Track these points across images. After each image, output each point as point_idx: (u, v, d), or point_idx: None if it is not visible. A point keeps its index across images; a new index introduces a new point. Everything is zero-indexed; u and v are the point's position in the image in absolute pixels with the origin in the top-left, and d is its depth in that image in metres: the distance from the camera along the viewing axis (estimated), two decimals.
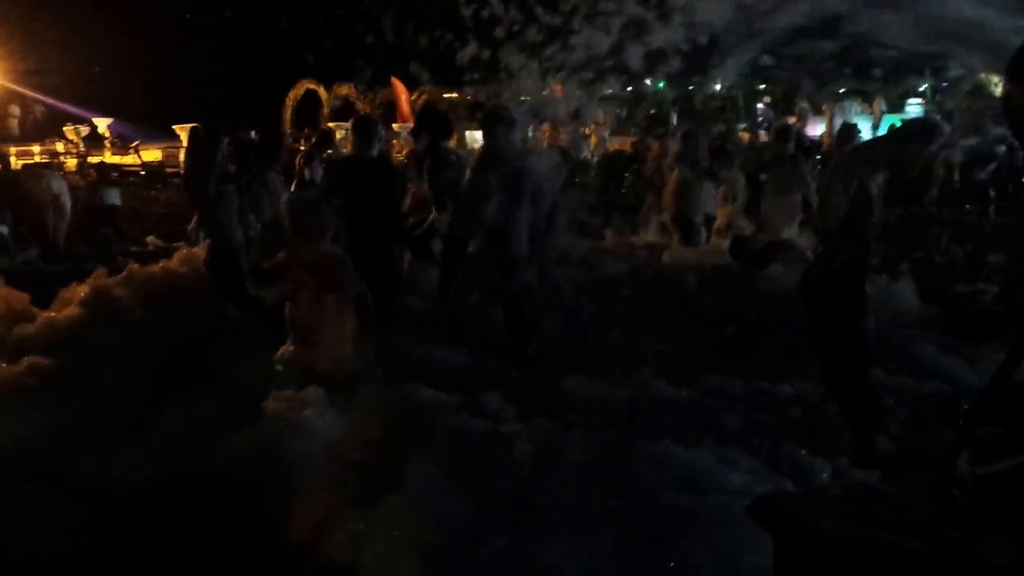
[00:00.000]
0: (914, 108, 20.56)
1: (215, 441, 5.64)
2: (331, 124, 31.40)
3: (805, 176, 10.95)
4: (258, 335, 7.25)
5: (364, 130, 8.53)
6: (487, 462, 5.31)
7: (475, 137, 25.57)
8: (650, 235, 12.01)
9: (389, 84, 32.13)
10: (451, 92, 32.39)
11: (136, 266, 9.48)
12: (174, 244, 14.80)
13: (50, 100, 32.45)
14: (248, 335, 7.39)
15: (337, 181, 8.17)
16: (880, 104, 24.75)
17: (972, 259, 11.40)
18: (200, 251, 9.88)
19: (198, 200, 9.16)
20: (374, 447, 5.61)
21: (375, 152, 8.55)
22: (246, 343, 7.21)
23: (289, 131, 29.04)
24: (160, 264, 9.91)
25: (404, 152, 27.43)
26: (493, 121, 7.72)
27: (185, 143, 28.10)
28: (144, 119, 31.21)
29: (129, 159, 27.80)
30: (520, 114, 7.83)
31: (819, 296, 6.00)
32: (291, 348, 6.29)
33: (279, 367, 6.29)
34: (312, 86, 32.60)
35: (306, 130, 28.00)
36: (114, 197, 16.40)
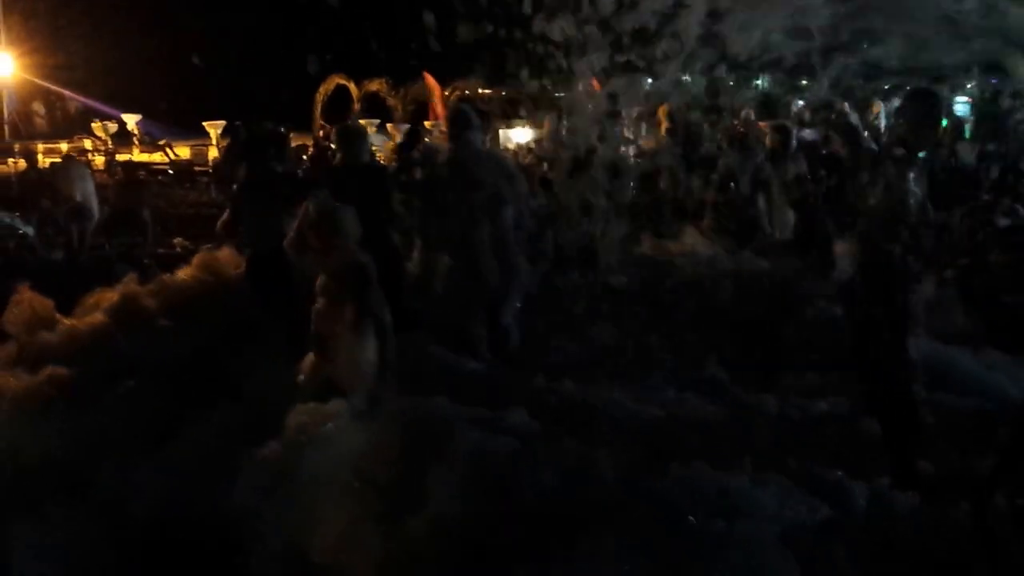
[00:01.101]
0: (961, 106, 19.98)
1: (236, 455, 5.55)
2: (362, 121, 31.36)
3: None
4: (280, 344, 7.19)
5: (349, 138, 8.42)
6: (512, 482, 5.18)
7: (508, 136, 25.42)
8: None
9: (421, 79, 31.97)
10: (486, 89, 32.26)
11: (166, 275, 9.40)
12: (203, 245, 14.72)
13: (78, 96, 32.57)
14: (270, 344, 7.30)
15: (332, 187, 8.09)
16: None
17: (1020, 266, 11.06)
18: (226, 254, 9.79)
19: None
20: (396, 463, 5.49)
21: (365, 159, 8.45)
22: (268, 352, 7.14)
23: (320, 127, 29.08)
24: (187, 270, 9.80)
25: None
26: (454, 124, 7.60)
27: (215, 140, 28.28)
28: (173, 116, 31.29)
29: (157, 157, 27.79)
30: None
31: (862, 307, 5.80)
32: (311, 359, 6.17)
33: (300, 378, 6.18)
34: (343, 81, 32.48)
35: (336, 126, 28.01)
36: (141, 199, 16.35)
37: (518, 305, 7.69)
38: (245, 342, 7.71)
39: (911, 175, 5.68)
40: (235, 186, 8.59)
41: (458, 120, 7.69)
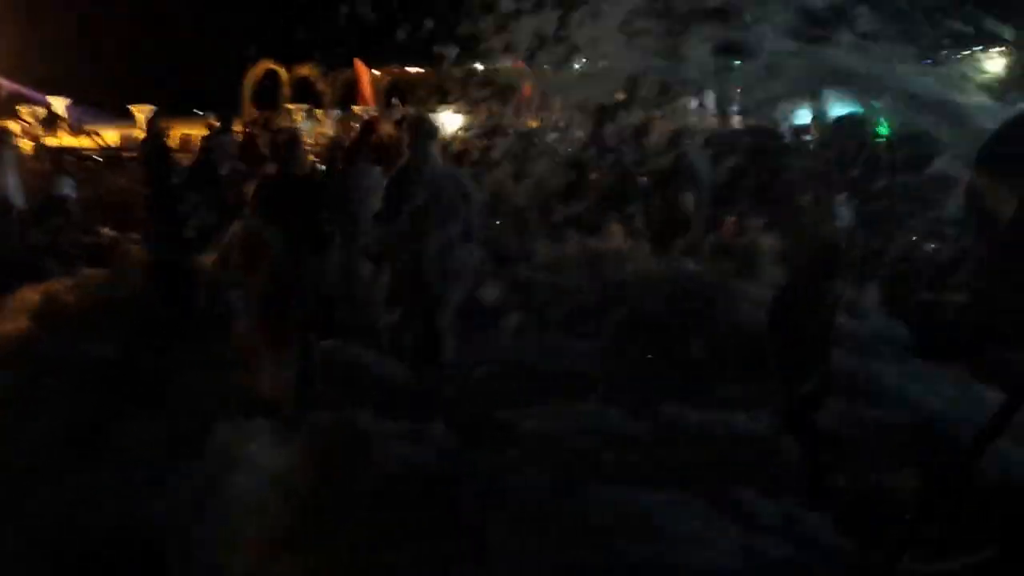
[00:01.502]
0: None
1: (161, 470, 5.52)
2: (290, 106, 31.03)
3: None
4: (207, 350, 7.12)
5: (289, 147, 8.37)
6: (432, 501, 5.20)
7: (440, 121, 25.30)
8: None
9: (351, 65, 31.71)
10: (418, 69, 32.00)
11: (90, 271, 9.24)
12: (129, 234, 14.47)
13: (4, 81, 31.74)
14: (197, 349, 7.22)
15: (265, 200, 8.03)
16: None
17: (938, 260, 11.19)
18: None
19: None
20: (318, 482, 5.49)
21: (300, 168, 8.36)
22: (195, 359, 7.06)
23: (249, 112, 28.73)
24: (113, 266, 9.65)
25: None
26: (415, 134, 7.59)
27: (141, 125, 27.76)
28: (102, 100, 30.63)
29: (88, 142, 27.24)
30: None
31: (785, 324, 5.86)
32: (237, 372, 6.14)
33: (226, 391, 6.14)
34: (272, 66, 32.08)
35: (266, 112, 27.66)
36: (68, 187, 15.98)
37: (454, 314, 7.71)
38: (172, 344, 7.62)
39: (839, 199, 5.76)
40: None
41: (418, 130, 7.67)
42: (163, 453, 5.71)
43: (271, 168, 8.41)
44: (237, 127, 27.07)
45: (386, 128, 13.92)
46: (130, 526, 5.17)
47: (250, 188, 8.56)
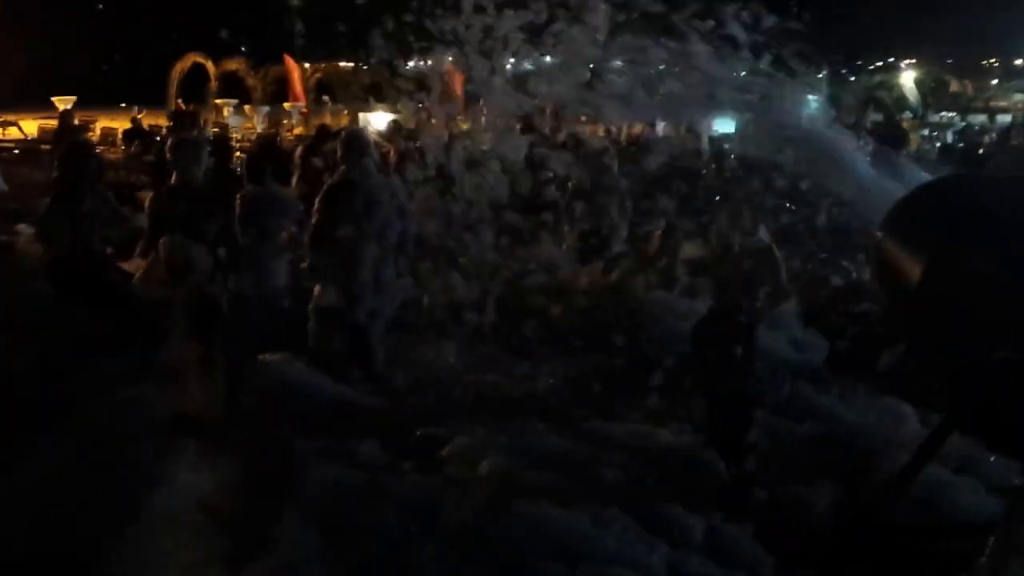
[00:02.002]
0: None
1: (80, 490, 5.35)
2: (218, 101, 30.71)
3: None
4: (122, 364, 7.02)
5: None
6: (360, 521, 5.23)
7: (368, 120, 25.16)
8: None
9: (280, 60, 31.47)
10: (347, 63, 31.91)
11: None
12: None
13: None
14: (112, 364, 7.08)
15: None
16: None
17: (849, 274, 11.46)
18: None
19: None
20: (246, 501, 5.47)
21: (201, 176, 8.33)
22: (109, 374, 6.87)
23: (175, 106, 28.32)
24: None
25: (294, 133, 27.11)
26: (352, 149, 7.68)
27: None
28: (21, 90, 30.02)
29: (13, 132, 26.70)
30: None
31: (712, 347, 5.98)
32: (159, 388, 6.08)
33: (145, 409, 6.07)
34: (199, 59, 31.70)
35: (192, 106, 27.34)
36: None
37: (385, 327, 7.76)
38: (83, 355, 7.47)
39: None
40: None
41: (354, 144, 7.75)
42: (83, 471, 5.53)
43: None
44: (161, 121, 26.85)
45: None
46: (46, 548, 5.01)
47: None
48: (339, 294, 7.55)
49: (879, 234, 2.66)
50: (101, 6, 34.35)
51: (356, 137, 8.04)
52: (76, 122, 24.77)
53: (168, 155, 8.38)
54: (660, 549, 5.06)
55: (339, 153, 7.90)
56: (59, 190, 8.15)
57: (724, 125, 15.54)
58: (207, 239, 6.89)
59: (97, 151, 11.74)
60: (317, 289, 7.74)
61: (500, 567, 4.80)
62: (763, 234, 8.35)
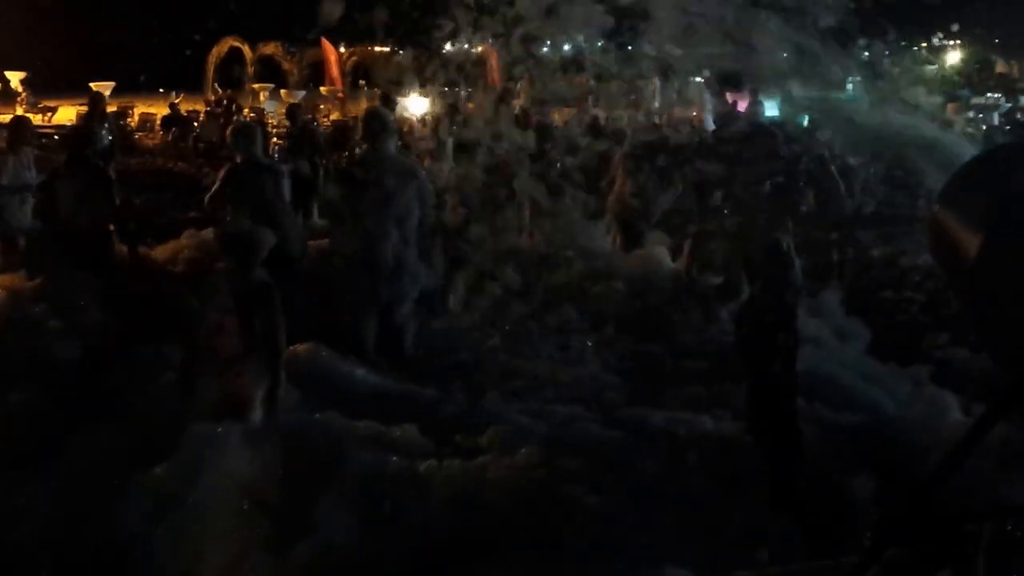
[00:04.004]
0: None
1: (125, 477, 5.43)
2: (255, 86, 30.76)
3: None
4: (168, 351, 7.09)
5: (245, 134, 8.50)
6: (401, 506, 5.24)
7: (405, 105, 25.07)
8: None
9: (318, 44, 31.47)
10: (383, 47, 31.81)
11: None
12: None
13: None
14: (157, 352, 7.15)
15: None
16: None
17: (898, 262, 11.35)
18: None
19: None
20: (289, 485, 5.49)
21: (259, 153, 8.59)
22: (161, 361, 6.95)
23: (212, 91, 28.45)
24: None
25: (331, 118, 27.10)
26: (377, 130, 7.60)
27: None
28: (60, 76, 30.20)
29: (45, 119, 26.83)
30: None
31: (756, 336, 5.92)
32: (210, 376, 6.08)
33: (195, 396, 6.10)
34: (236, 43, 31.79)
35: (228, 91, 27.43)
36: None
37: (412, 309, 7.73)
38: (136, 345, 7.54)
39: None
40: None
41: (374, 124, 7.68)
42: (127, 460, 5.61)
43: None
44: (199, 107, 26.96)
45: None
46: (91, 535, 5.13)
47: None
48: (363, 278, 7.50)
49: (936, 207, 2.59)
50: None
51: (373, 117, 7.92)
52: (114, 108, 24.95)
53: (228, 139, 8.66)
54: (701, 537, 5.04)
55: (359, 134, 7.88)
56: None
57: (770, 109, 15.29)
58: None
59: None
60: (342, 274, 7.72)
61: (539, 555, 4.79)
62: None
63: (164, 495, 5.28)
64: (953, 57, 40.19)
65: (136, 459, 5.58)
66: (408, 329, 7.70)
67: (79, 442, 5.95)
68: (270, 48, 32.56)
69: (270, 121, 24.69)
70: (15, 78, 29.76)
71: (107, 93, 28.20)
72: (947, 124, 21.41)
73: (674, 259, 10.34)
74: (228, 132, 8.99)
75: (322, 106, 28.51)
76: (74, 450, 5.89)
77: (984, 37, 42.06)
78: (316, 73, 32.03)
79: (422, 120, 15.94)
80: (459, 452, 5.86)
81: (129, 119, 27.10)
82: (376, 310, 7.56)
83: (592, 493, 5.26)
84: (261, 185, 8.29)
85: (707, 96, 15.97)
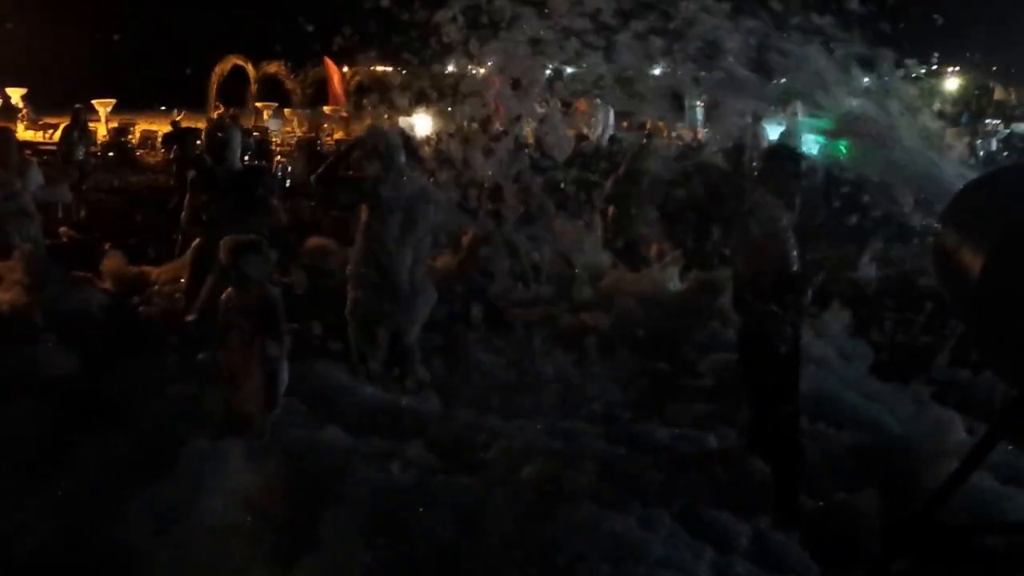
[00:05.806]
0: None
1: (127, 491, 5.41)
2: (259, 104, 30.86)
3: None
4: (173, 364, 7.12)
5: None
6: (406, 523, 5.24)
7: (411, 124, 25.10)
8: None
9: (321, 62, 31.58)
10: (384, 66, 31.90)
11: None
12: (92, 236, 14.41)
13: None
14: (167, 365, 7.19)
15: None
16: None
17: (901, 281, 11.38)
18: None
19: None
20: (292, 501, 5.49)
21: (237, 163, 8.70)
22: (164, 374, 6.99)
23: (215, 109, 28.53)
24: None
25: (335, 136, 27.18)
26: (392, 153, 7.52)
27: (104, 119, 27.46)
28: (62, 92, 30.29)
29: (46, 136, 26.91)
30: None
31: (757, 353, 5.92)
32: (214, 389, 6.10)
33: (200, 409, 6.13)
34: (239, 62, 31.89)
35: (232, 109, 27.52)
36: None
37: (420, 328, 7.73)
38: (138, 358, 7.56)
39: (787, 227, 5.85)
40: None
41: (389, 148, 7.55)
42: (130, 473, 5.61)
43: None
44: (201, 124, 27.00)
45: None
46: (93, 550, 5.10)
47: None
48: (375, 299, 7.47)
49: (938, 227, 2.62)
50: (142, 8, 34.54)
51: (385, 137, 7.72)
52: (115, 124, 24.96)
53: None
54: (706, 554, 5.03)
55: (367, 159, 7.61)
56: None
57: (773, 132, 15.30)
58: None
59: None
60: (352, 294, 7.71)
61: (545, 570, 4.79)
62: None
63: (166, 510, 5.25)
64: (952, 83, 40.35)
65: (138, 473, 5.57)
66: (417, 349, 7.69)
67: (86, 452, 5.97)
68: (273, 67, 32.69)
69: (274, 140, 24.76)
70: (16, 94, 29.86)
71: (108, 110, 28.39)
72: (947, 149, 21.51)
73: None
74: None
75: (326, 125, 28.58)
76: (80, 459, 5.90)
77: (983, 64, 42.26)
78: (319, 92, 32.11)
79: (426, 139, 15.98)
80: (465, 468, 5.87)
81: (131, 136, 27.18)
82: (387, 332, 7.54)
83: (599, 507, 5.25)
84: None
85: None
